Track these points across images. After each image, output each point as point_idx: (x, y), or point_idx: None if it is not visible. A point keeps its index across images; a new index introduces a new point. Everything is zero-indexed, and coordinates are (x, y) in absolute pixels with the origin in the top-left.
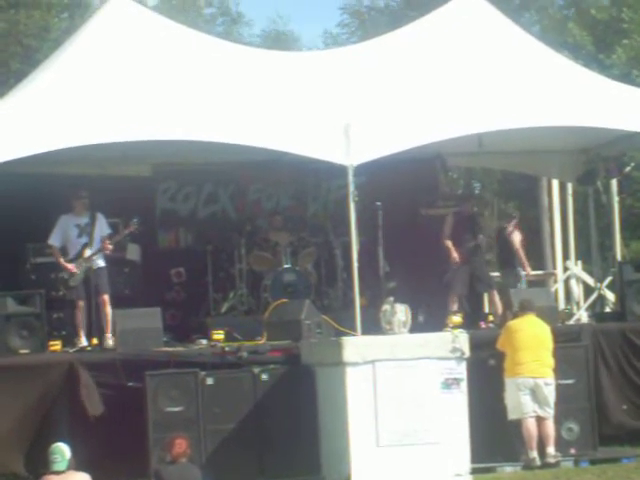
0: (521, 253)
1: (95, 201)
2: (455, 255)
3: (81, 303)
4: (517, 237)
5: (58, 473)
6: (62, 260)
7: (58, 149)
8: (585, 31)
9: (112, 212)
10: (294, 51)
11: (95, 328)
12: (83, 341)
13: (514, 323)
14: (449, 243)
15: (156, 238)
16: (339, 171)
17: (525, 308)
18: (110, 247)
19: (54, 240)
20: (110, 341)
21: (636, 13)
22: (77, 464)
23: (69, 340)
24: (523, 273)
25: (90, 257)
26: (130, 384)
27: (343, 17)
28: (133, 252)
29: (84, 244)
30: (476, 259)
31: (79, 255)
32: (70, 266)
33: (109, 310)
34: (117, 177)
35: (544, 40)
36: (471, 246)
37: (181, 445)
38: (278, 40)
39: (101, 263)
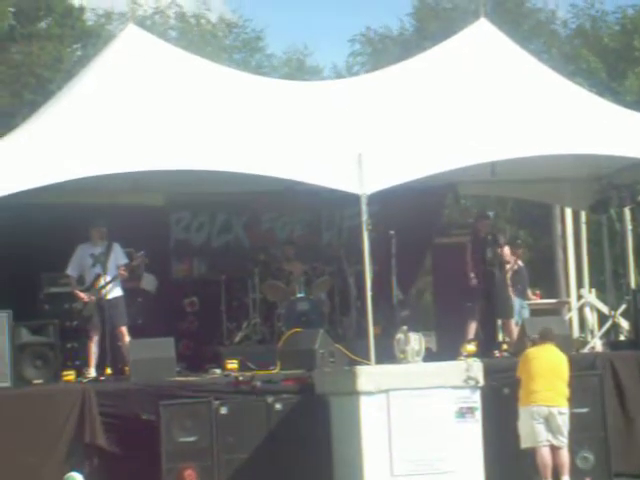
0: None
1: (108, 231)
2: (471, 276)
3: (94, 334)
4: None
5: None
6: (77, 290)
7: (72, 179)
8: (597, 58)
9: (125, 242)
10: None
11: (110, 358)
12: (92, 372)
13: (531, 351)
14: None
15: (170, 268)
16: (352, 200)
17: (545, 337)
18: (125, 274)
19: (71, 270)
20: None
21: None
22: None
23: (83, 370)
24: (524, 302)
25: (103, 287)
26: (144, 416)
27: (355, 47)
28: (149, 283)
29: (97, 274)
30: (492, 283)
31: (92, 285)
32: (83, 295)
33: (127, 340)
34: (130, 207)
35: (555, 67)
36: (488, 272)
37: (191, 476)
38: (300, 70)
39: (117, 292)
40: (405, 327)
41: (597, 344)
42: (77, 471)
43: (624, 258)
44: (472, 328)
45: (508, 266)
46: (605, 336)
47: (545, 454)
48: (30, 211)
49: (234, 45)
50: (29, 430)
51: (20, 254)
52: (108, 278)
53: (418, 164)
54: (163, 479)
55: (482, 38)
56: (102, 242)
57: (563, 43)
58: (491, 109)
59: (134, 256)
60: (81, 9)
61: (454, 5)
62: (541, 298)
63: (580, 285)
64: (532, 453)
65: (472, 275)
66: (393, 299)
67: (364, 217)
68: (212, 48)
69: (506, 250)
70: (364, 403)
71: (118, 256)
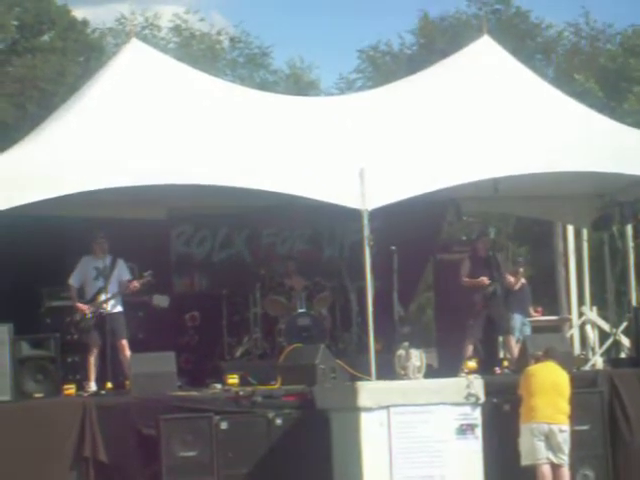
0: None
1: (109, 244)
2: (483, 279)
3: (94, 347)
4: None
5: None
6: (76, 301)
7: (73, 193)
8: (593, 79)
9: (126, 256)
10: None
11: (110, 373)
12: (92, 386)
13: (532, 368)
14: (467, 280)
15: (171, 282)
16: (354, 215)
17: (548, 354)
18: (136, 286)
19: (73, 280)
20: None
21: None
22: None
23: (83, 384)
24: (526, 319)
25: (104, 301)
26: (144, 430)
27: (358, 62)
28: (162, 300)
29: (99, 288)
30: (493, 303)
31: (93, 298)
32: (82, 307)
33: (128, 354)
34: (132, 220)
35: (556, 85)
36: (489, 290)
37: None
38: (298, 84)
39: (118, 308)
40: (406, 343)
41: (598, 362)
42: None
43: (626, 275)
44: (470, 346)
45: (512, 284)
46: (606, 354)
47: (545, 472)
48: (31, 224)
49: (236, 60)
50: (29, 444)
51: (21, 267)
52: (110, 293)
53: (420, 180)
54: None
55: (485, 55)
56: (105, 256)
57: (560, 62)
58: (493, 126)
59: (142, 275)
60: (84, 22)
61: (458, 21)
62: (542, 315)
63: (581, 302)
64: (532, 471)
65: (470, 282)
66: (394, 315)
67: (366, 233)
68: (216, 62)
69: (508, 277)
70: (365, 419)
71: (122, 272)
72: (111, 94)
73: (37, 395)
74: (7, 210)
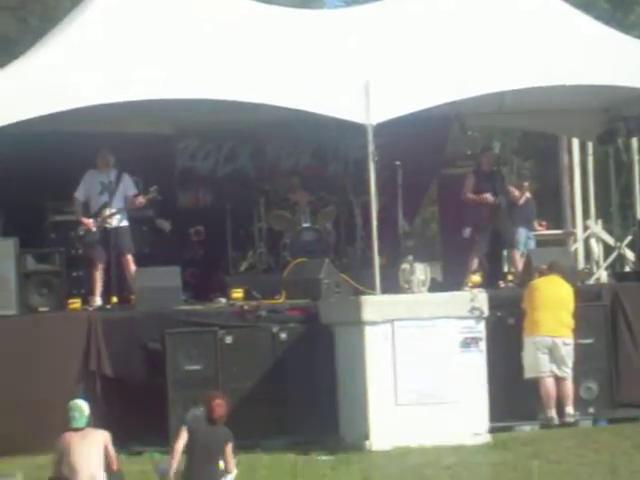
0: None
1: (115, 158)
2: (487, 196)
3: (99, 262)
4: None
5: (77, 430)
6: (81, 215)
7: (77, 107)
8: None
9: (132, 170)
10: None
11: (115, 287)
12: (97, 301)
13: (536, 282)
14: (472, 196)
15: (175, 196)
16: (359, 130)
17: (552, 268)
18: (142, 202)
19: (78, 194)
20: None
21: None
22: (95, 422)
23: (88, 299)
24: (531, 233)
25: (109, 216)
26: (149, 344)
27: None
28: (164, 225)
29: (104, 202)
30: (498, 216)
31: (98, 213)
32: (87, 222)
33: (133, 269)
34: (137, 135)
35: None
36: (494, 204)
37: (222, 407)
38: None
39: (124, 222)
40: (410, 257)
41: (602, 275)
42: (82, 398)
43: (630, 189)
44: (475, 260)
45: (517, 198)
46: (610, 267)
47: (549, 385)
48: (35, 139)
49: None
50: (34, 357)
51: (26, 182)
52: (115, 207)
53: (426, 94)
54: (169, 406)
55: None
56: (109, 170)
57: None
58: (498, 39)
59: (148, 191)
60: None
61: None
62: (547, 229)
63: (586, 216)
64: (536, 383)
65: (473, 197)
66: (399, 229)
67: (370, 148)
68: None
69: (513, 190)
70: (369, 333)
71: (127, 186)
72: (114, 7)
73: (42, 309)
74: (11, 125)
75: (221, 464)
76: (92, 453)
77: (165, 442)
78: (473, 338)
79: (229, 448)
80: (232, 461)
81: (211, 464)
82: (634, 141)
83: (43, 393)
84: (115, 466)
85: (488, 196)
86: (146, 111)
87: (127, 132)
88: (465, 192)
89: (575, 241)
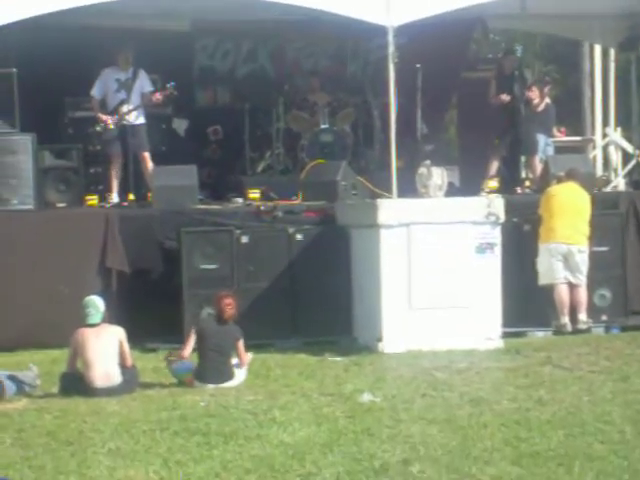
0: None
1: (133, 56)
2: (503, 96)
3: (116, 159)
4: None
5: (92, 326)
6: (98, 112)
7: (97, 3)
8: None
9: (149, 67)
10: None
11: (133, 184)
12: (114, 197)
13: (553, 189)
14: (496, 99)
15: (193, 95)
16: (379, 31)
17: (569, 175)
18: (159, 99)
19: (95, 92)
20: None
21: None
22: (110, 318)
23: (105, 195)
24: (549, 140)
25: (126, 113)
26: (166, 243)
27: None
28: (180, 125)
29: (122, 99)
30: (518, 122)
31: (115, 110)
32: (104, 118)
33: (150, 166)
34: (155, 32)
35: None
36: (514, 108)
37: (232, 306)
38: None
39: (141, 120)
40: (428, 161)
41: (620, 183)
42: (98, 295)
43: None
44: (494, 166)
45: (537, 104)
46: (628, 175)
47: (563, 291)
48: (54, 34)
49: None
50: (51, 252)
51: (44, 78)
52: (132, 104)
53: None
54: (184, 304)
55: None
56: (128, 67)
57: None
58: None
59: (165, 87)
60: None
61: None
62: (566, 135)
63: (606, 123)
64: (550, 290)
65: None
66: (417, 133)
67: (390, 49)
68: None
69: (534, 91)
70: (384, 236)
71: (144, 83)
72: None
73: (60, 205)
74: (28, 20)
75: (232, 360)
76: (107, 349)
77: (180, 340)
78: (489, 243)
79: (240, 344)
80: (244, 355)
81: (223, 361)
82: None
83: (58, 287)
84: (129, 362)
85: (503, 96)
86: (165, 8)
87: (145, 29)
88: (490, 97)
89: (594, 148)
